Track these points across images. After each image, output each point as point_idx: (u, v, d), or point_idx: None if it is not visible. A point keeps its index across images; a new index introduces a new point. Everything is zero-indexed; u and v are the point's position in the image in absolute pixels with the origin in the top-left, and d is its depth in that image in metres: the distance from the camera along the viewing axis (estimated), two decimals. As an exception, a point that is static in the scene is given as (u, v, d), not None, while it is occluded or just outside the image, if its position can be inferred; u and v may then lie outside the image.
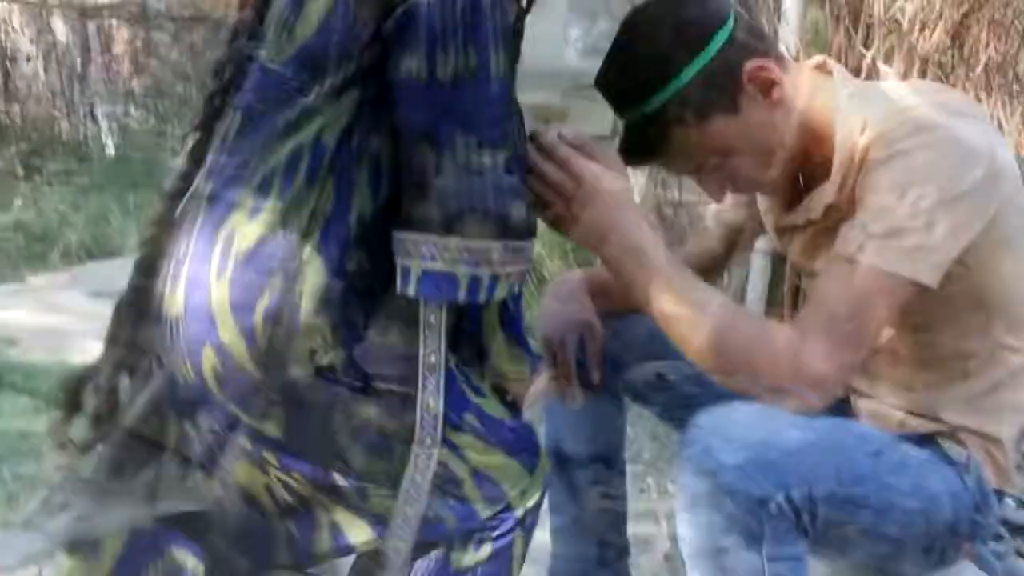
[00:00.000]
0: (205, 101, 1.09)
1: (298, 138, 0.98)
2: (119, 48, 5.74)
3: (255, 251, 0.98)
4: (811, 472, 1.03)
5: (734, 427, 1.04)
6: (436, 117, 0.95)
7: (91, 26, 5.60)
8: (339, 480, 1.02)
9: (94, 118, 5.37)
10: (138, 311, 1.08)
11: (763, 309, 2.42)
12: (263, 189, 0.98)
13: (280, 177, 0.98)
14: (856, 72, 2.19)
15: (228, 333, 0.97)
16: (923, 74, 2.14)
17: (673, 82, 1.15)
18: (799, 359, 1.06)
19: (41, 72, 5.27)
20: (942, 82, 2.17)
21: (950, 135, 1.09)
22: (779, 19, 2.32)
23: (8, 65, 5.17)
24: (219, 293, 0.98)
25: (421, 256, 0.97)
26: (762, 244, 1.41)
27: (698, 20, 1.16)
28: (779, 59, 1.20)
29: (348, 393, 0.99)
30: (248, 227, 0.98)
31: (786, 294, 2.42)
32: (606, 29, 4.87)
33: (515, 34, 1.01)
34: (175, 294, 1.01)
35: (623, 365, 1.40)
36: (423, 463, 1.01)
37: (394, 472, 1.01)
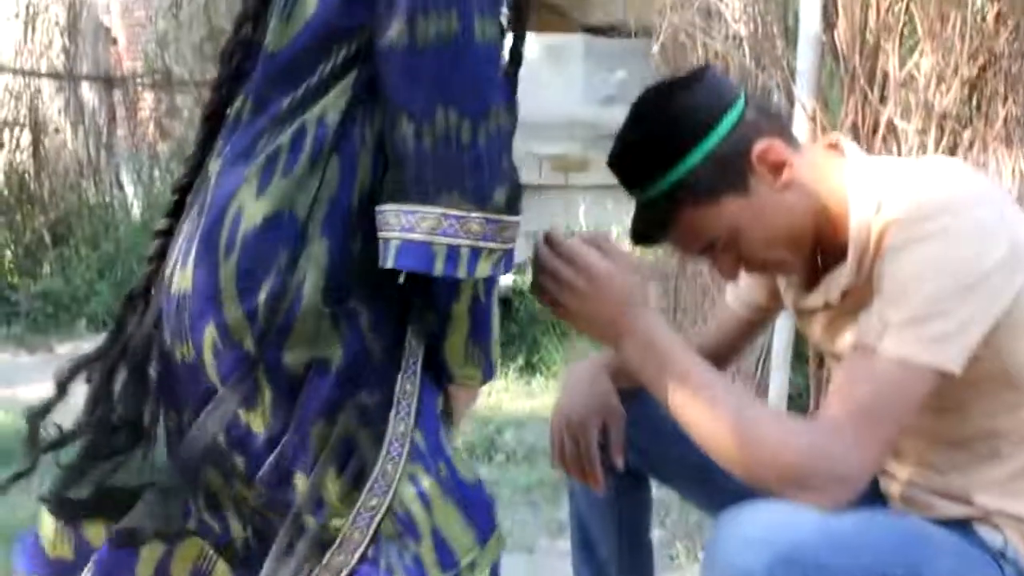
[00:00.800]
0: (214, 89, 1.10)
1: (303, 117, 0.98)
2: (144, 113, 5.85)
3: (261, 230, 0.98)
4: (841, 571, 1.01)
5: (759, 527, 1.01)
6: (417, 85, 0.93)
7: (116, 92, 5.72)
8: (302, 499, 0.99)
9: (120, 184, 5.46)
10: (146, 302, 1.08)
11: (786, 372, 2.38)
12: (269, 167, 0.98)
13: (285, 155, 0.98)
14: (873, 129, 2.18)
15: (232, 312, 0.97)
16: (940, 129, 2.12)
17: (681, 164, 1.14)
18: (823, 455, 1.04)
19: (69, 141, 5.38)
20: (960, 136, 2.15)
21: (966, 218, 1.08)
22: (794, 78, 2.31)
23: (39, 136, 5.29)
24: (225, 272, 0.98)
25: (400, 227, 0.94)
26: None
27: (707, 102, 1.16)
28: (790, 139, 1.20)
29: (340, 387, 0.97)
30: (254, 206, 0.98)
31: (810, 358, 2.39)
32: (624, 79, 4.90)
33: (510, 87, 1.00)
34: (184, 271, 1.01)
35: (646, 447, 1.38)
36: (396, 450, 0.99)
37: (362, 478, 0.98)
